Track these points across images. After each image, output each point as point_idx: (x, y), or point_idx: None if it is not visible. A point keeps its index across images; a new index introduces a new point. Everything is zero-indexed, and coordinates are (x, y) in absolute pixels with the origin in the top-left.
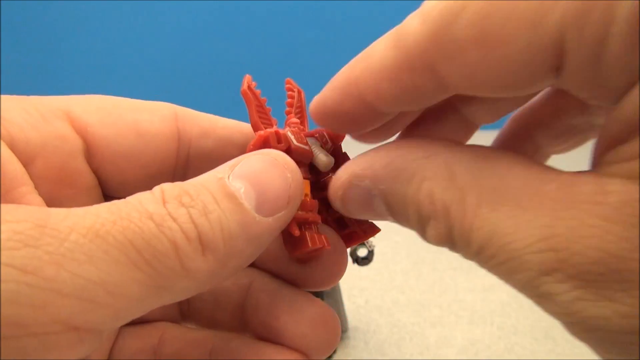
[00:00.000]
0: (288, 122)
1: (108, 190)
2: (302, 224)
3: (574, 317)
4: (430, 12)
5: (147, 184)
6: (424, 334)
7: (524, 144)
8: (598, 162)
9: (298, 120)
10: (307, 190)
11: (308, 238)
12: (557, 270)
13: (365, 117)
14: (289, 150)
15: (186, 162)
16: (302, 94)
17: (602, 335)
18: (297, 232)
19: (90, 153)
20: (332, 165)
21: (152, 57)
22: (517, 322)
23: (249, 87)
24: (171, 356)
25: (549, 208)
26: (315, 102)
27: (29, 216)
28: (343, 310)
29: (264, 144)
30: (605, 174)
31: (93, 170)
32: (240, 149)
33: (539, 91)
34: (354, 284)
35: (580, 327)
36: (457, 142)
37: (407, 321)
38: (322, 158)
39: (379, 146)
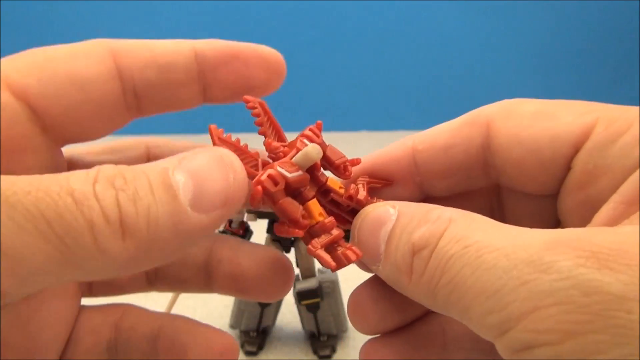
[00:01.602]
0: (269, 147)
1: (73, 141)
2: (330, 245)
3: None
4: None
5: (105, 126)
6: None
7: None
8: None
9: (279, 144)
10: (318, 209)
11: (344, 259)
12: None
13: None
14: (288, 185)
15: (135, 98)
16: (264, 104)
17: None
18: (333, 265)
19: (36, 115)
20: (322, 152)
21: None
22: None
23: (219, 138)
24: (127, 330)
25: None
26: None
27: None
28: (343, 310)
29: (266, 194)
30: None
31: (47, 131)
32: (185, 71)
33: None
34: (354, 284)
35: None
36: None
37: None
38: (308, 151)
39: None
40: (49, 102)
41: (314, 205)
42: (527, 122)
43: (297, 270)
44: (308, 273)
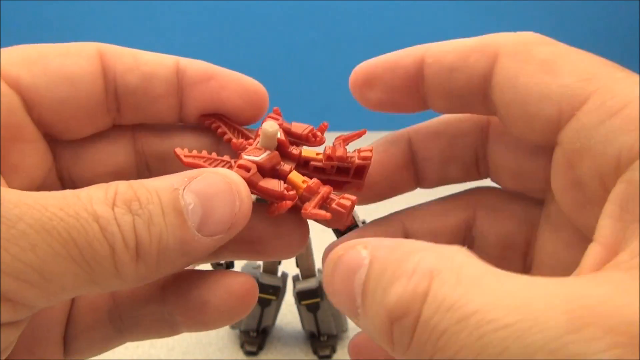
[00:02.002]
0: (235, 146)
1: (56, 136)
2: (324, 202)
3: None
4: None
5: (87, 125)
6: None
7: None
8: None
9: (241, 140)
10: (300, 178)
11: (339, 208)
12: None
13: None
14: (261, 168)
15: (116, 99)
16: (222, 116)
17: None
18: (328, 215)
19: (28, 105)
20: (276, 126)
21: None
22: None
23: (185, 157)
24: (127, 297)
25: None
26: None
27: None
28: None
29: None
30: None
31: (35, 122)
32: (165, 83)
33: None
34: None
35: None
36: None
37: None
38: (264, 128)
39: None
40: (40, 96)
41: (295, 176)
42: (529, 69)
43: (297, 270)
44: (308, 273)
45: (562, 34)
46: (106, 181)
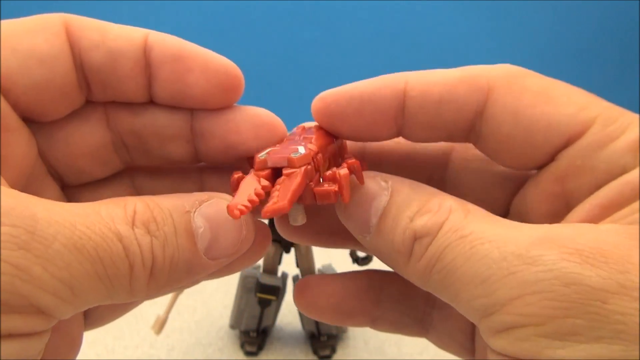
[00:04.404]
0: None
1: (31, 120)
2: (352, 169)
3: None
4: None
5: (63, 105)
6: None
7: None
8: None
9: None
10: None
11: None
12: None
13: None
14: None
15: (84, 79)
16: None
17: None
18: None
19: (4, 91)
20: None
21: None
22: None
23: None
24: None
25: None
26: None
27: (20, 222)
28: None
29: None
30: None
31: (13, 108)
32: (132, 62)
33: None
34: None
35: None
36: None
37: None
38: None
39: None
40: (14, 79)
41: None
42: (528, 101)
43: (297, 270)
44: (308, 273)
45: (562, 33)
46: (84, 163)
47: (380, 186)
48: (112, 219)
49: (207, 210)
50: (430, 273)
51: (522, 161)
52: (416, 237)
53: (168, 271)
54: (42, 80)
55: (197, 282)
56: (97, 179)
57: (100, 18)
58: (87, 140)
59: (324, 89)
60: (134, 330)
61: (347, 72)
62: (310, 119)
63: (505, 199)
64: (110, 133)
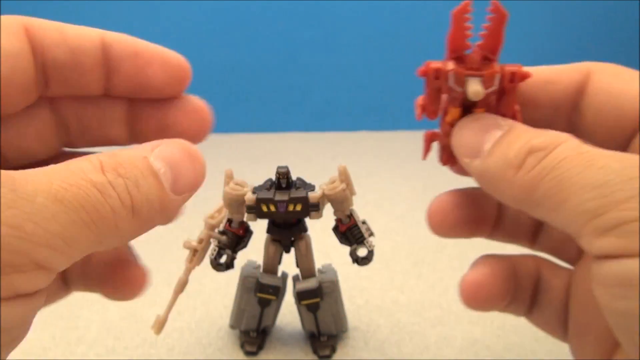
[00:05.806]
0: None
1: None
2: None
3: None
4: None
5: (20, 101)
6: (424, 334)
7: None
8: None
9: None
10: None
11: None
12: None
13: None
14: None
15: (44, 73)
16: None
17: None
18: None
19: None
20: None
21: None
22: (517, 322)
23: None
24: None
25: None
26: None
27: (2, 182)
28: (343, 310)
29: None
30: None
31: None
32: (92, 57)
33: None
34: (354, 284)
35: None
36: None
37: (407, 321)
38: (471, 87)
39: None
40: None
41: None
42: (622, 78)
43: (297, 270)
44: (308, 273)
45: (562, 33)
46: (29, 144)
47: (498, 123)
48: (82, 170)
49: (162, 153)
50: (539, 183)
51: (611, 128)
52: (531, 152)
53: (147, 208)
54: (5, 78)
55: (169, 220)
56: (38, 160)
57: (96, 19)
58: (35, 133)
59: (323, 89)
60: (134, 330)
61: (347, 72)
62: (311, 119)
63: (619, 137)
64: (54, 117)
